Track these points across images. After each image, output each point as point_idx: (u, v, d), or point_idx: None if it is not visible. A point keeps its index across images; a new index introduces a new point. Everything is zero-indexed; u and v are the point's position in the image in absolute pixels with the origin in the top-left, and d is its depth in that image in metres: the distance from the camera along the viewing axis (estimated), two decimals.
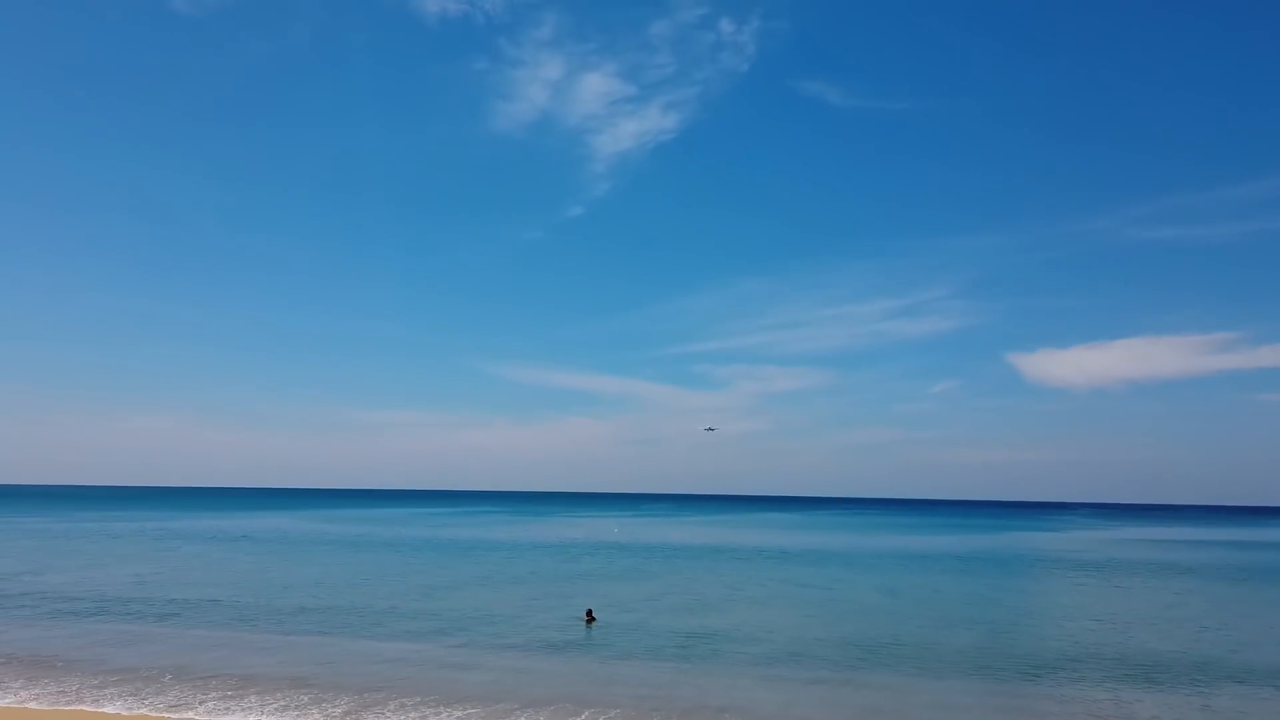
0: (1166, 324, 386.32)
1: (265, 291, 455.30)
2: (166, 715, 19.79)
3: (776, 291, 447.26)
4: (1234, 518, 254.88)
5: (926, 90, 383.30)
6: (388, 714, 20.63)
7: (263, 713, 20.33)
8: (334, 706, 21.16)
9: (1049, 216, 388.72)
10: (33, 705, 20.37)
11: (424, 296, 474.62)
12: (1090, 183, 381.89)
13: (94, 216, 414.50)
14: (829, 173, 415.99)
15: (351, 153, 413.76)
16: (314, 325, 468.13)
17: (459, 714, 20.72)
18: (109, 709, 20.48)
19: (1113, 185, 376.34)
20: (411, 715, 20.62)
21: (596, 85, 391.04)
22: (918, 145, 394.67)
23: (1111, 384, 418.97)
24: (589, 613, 36.22)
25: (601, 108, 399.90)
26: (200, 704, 20.97)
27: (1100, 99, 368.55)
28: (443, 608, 39.22)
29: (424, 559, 66.70)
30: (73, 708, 20.44)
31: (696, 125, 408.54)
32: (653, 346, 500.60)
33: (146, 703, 21.07)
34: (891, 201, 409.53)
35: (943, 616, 39.43)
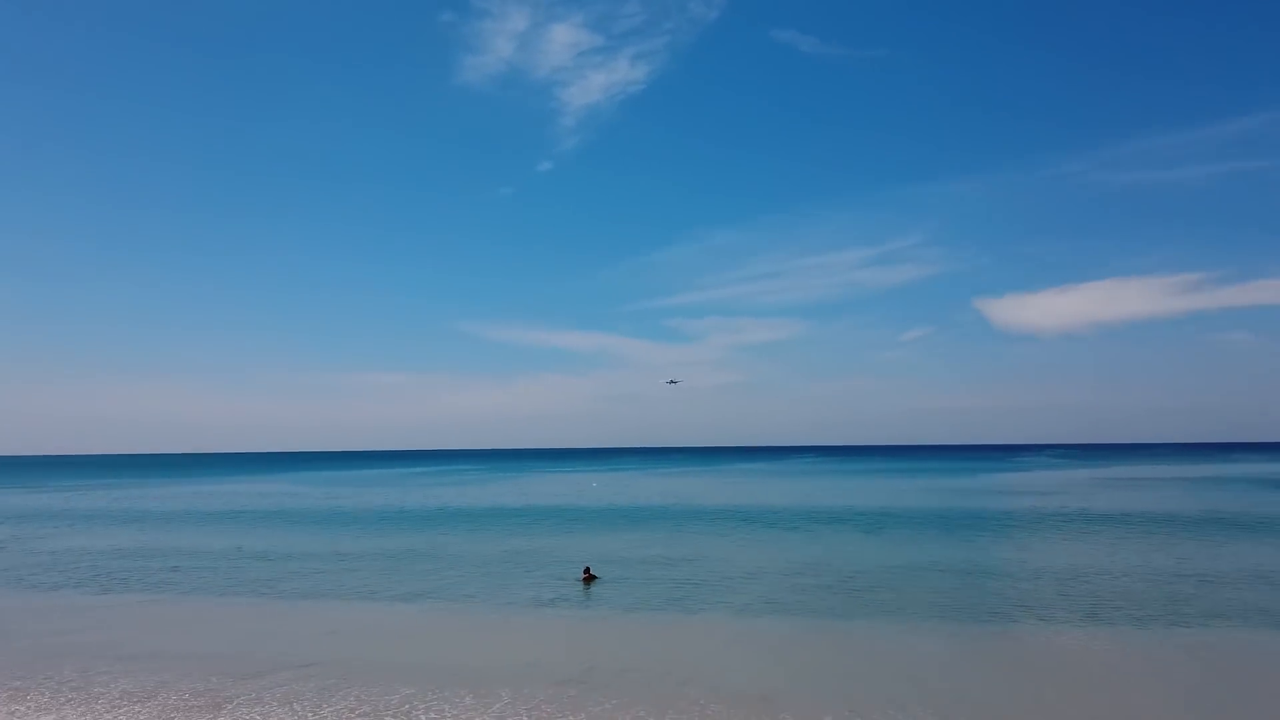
0: (1134, 266, 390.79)
1: (247, 270, 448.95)
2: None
3: (750, 243, 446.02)
4: (1201, 455, 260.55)
5: (898, 38, 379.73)
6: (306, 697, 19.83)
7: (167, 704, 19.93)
8: (251, 684, 20.65)
9: (1019, 162, 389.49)
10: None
11: (398, 258, 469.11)
12: (1060, 125, 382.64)
13: (104, 208, 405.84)
14: (801, 123, 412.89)
15: (327, 130, 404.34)
16: (292, 295, 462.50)
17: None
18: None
19: (1081, 127, 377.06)
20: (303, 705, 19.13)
21: (564, 36, 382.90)
22: (891, 93, 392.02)
23: (1079, 327, 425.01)
24: (586, 570, 35.73)
25: (569, 59, 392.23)
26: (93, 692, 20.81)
27: (1069, 41, 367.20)
28: (424, 569, 39.60)
29: (406, 520, 66.91)
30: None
31: (666, 76, 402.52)
32: (626, 301, 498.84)
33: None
34: (865, 150, 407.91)
35: (914, 562, 40.17)
